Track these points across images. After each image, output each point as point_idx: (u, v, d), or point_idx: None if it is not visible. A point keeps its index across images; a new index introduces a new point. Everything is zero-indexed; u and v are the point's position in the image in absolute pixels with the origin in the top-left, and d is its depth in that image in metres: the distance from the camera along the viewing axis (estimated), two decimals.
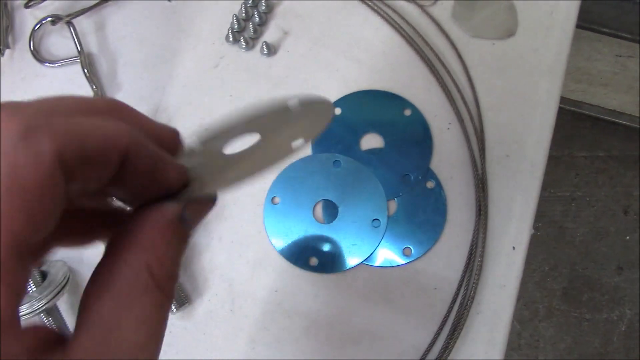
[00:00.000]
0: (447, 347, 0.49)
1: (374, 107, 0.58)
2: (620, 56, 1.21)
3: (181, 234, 0.23)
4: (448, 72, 0.57)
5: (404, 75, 0.58)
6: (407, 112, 0.57)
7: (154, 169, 0.22)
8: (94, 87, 0.60)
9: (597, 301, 1.37)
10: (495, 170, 0.55)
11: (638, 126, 1.42)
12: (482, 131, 0.55)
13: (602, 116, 1.43)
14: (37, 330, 0.19)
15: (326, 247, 0.53)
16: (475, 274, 0.51)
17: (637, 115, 1.41)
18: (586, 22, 1.14)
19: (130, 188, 0.23)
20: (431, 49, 0.58)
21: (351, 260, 0.53)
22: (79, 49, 0.61)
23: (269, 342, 0.52)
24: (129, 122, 0.22)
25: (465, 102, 0.56)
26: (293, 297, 0.53)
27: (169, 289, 0.21)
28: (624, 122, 1.42)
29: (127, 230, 0.22)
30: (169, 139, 0.25)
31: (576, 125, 1.47)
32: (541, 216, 1.43)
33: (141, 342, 0.20)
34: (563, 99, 1.43)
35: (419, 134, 0.56)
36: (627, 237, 1.41)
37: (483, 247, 0.52)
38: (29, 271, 0.19)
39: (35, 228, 0.18)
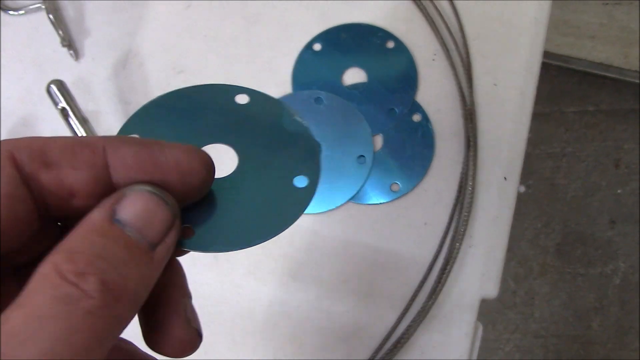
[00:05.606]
0: (440, 281, 0.47)
1: (355, 41, 0.55)
2: (607, 4, 1.18)
3: (113, 233, 0.20)
4: (431, 0, 0.55)
5: (385, 6, 0.56)
6: (390, 45, 0.54)
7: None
8: (61, 33, 0.57)
9: (590, 256, 1.36)
10: (484, 100, 0.52)
11: (625, 79, 1.39)
12: (468, 60, 0.53)
13: (590, 70, 1.40)
14: None
15: None
16: (466, 207, 0.49)
17: (625, 67, 1.38)
18: None
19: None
20: None
21: (337, 199, 0.51)
22: None
23: (254, 287, 0.50)
24: None
25: (450, 32, 0.54)
26: (278, 239, 0.50)
27: (85, 283, 0.17)
28: (612, 75, 1.40)
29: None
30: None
31: (564, 81, 1.45)
32: (532, 173, 1.41)
33: (34, 338, 0.16)
34: (550, 54, 1.40)
35: (403, 66, 0.54)
36: (619, 191, 1.39)
37: (473, 179, 0.50)
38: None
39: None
